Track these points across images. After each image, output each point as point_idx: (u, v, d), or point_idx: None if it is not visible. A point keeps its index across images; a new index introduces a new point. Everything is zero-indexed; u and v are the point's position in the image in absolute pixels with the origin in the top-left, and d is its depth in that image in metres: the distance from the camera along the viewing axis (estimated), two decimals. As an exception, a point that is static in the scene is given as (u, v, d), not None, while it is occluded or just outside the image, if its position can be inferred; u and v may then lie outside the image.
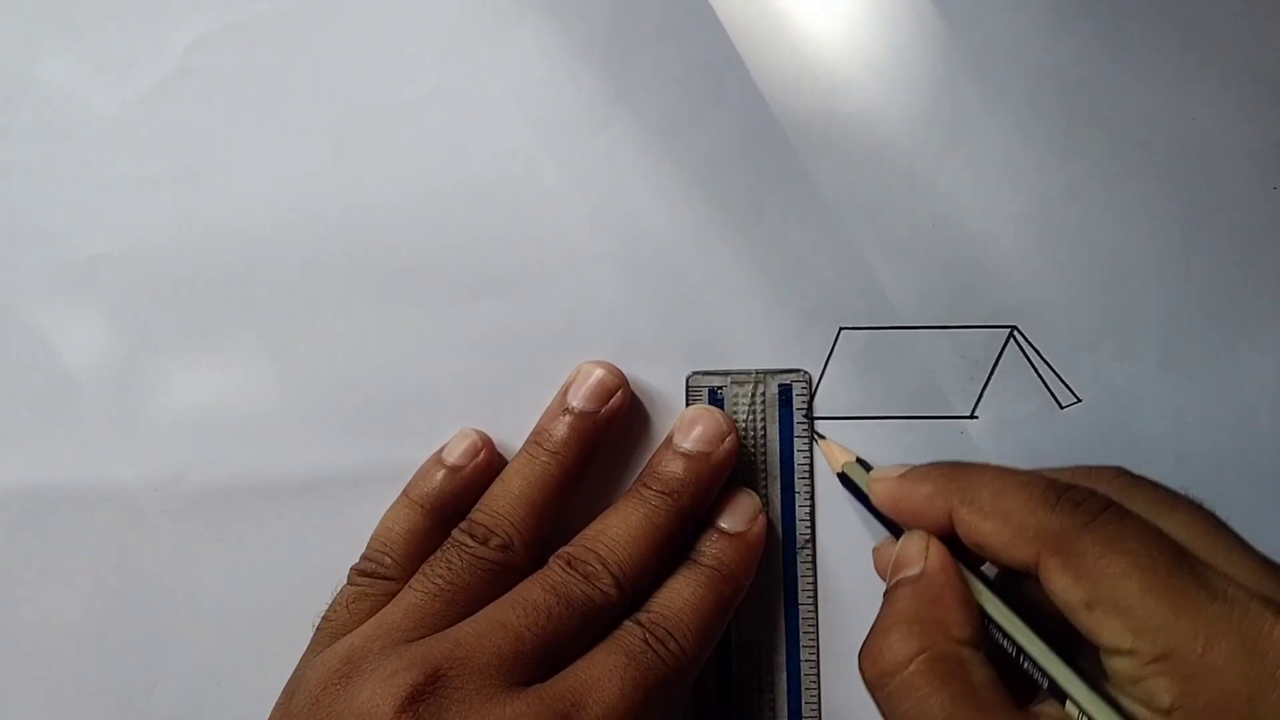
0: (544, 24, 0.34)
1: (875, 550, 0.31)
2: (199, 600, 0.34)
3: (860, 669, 0.27)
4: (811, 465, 0.33)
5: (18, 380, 0.35)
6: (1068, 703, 0.24)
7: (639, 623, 0.29)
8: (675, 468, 0.31)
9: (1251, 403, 0.33)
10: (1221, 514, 0.32)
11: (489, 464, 0.33)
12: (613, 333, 0.34)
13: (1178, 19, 0.33)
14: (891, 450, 0.33)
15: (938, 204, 0.33)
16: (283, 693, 0.30)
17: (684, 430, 0.32)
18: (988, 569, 0.28)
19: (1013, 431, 0.33)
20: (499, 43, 0.34)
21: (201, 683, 0.34)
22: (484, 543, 0.30)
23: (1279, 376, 0.33)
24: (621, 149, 0.34)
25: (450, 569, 0.30)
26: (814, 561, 0.33)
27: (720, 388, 0.34)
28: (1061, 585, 0.24)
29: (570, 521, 0.32)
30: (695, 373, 0.34)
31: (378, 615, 0.30)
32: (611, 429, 0.33)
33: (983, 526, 0.26)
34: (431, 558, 0.31)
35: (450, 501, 0.32)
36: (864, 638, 0.27)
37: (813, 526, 0.33)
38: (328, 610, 0.31)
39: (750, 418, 0.34)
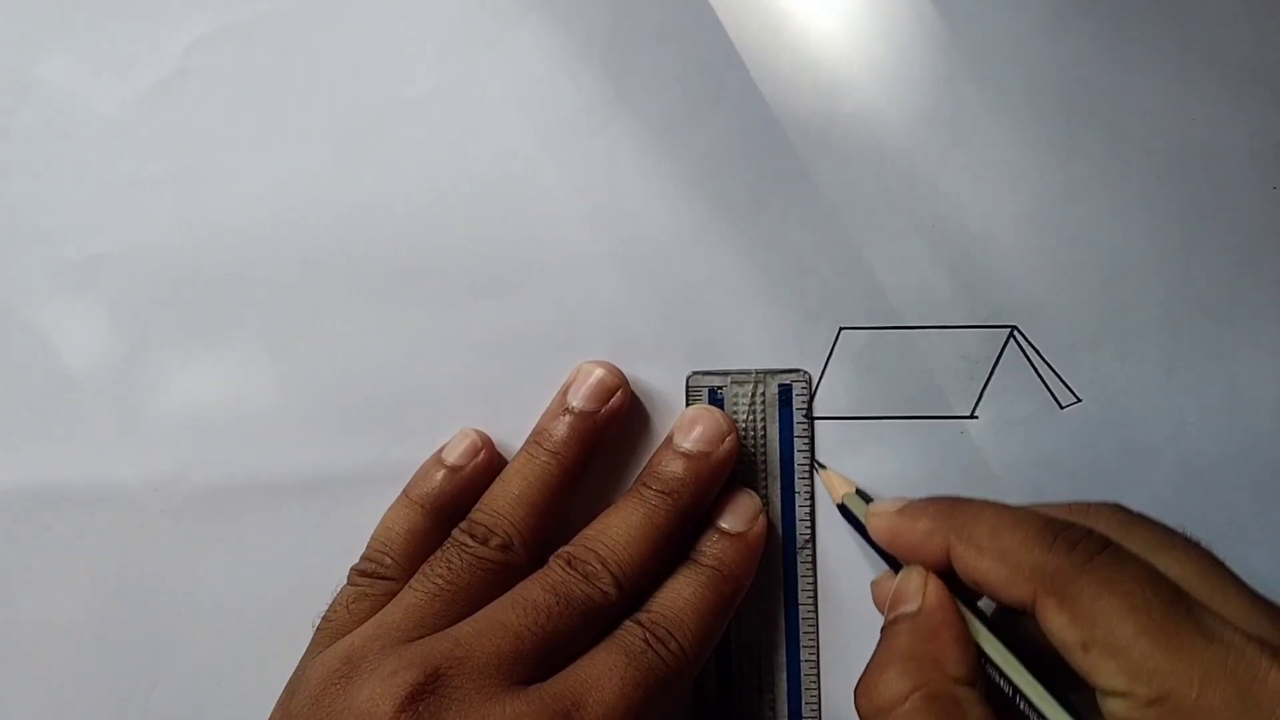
0: (544, 24, 0.34)
1: (874, 584, 0.31)
2: (199, 600, 0.34)
3: (856, 705, 0.27)
4: (811, 465, 0.33)
5: (18, 380, 0.35)
6: None
7: (639, 622, 0.29)
8: (675, 467, 0.31)
9: (1251, 403, 0.33)
10: (1222, 515, 0.32)
11: (489, 464, 0.33)
12: (613, 333, 0.34)
13: (1178, 19, 0.33)
14: (891, 450, 0.33)
15: (938, 204, 0.33)
16: (283, 693, 0.30)
17: (684, 430, 0.32)
18: (985, 604, 0.28)
19: (1013, 431, 0.33)
20: (499, 43, 0.34)
21: (201, 683, 0.34)
22: (484, 542, 0.30)
23: (1279, 376, 0.33)
24: (621, 149, 0.34)
25: (450, 569, 0.30)
26: (814, 561, 0.33)
27: (720, 388, 0.34)
28: (1058, 625, 0.24)
29: (570, 521, 0.32)
30: (695, 373, 0.34)
31: (378, 615, 0.30)
32: (611, 429, 0.33)
33: (980, 564, 0.26)
34: (431, 558, 0.31)
35: (450, 501, 0.32)
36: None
37: (813, 526, 0.33)
38: (328, 610, 0.31)
39: (750, 418, 0.34)
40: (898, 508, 0.29)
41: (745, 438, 0.33)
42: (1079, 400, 0.33)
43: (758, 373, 0.34)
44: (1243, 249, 0.33)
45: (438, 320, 0.34)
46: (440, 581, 0.30)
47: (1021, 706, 0.26)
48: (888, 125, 0.34)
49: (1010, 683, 0.26)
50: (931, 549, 0.27)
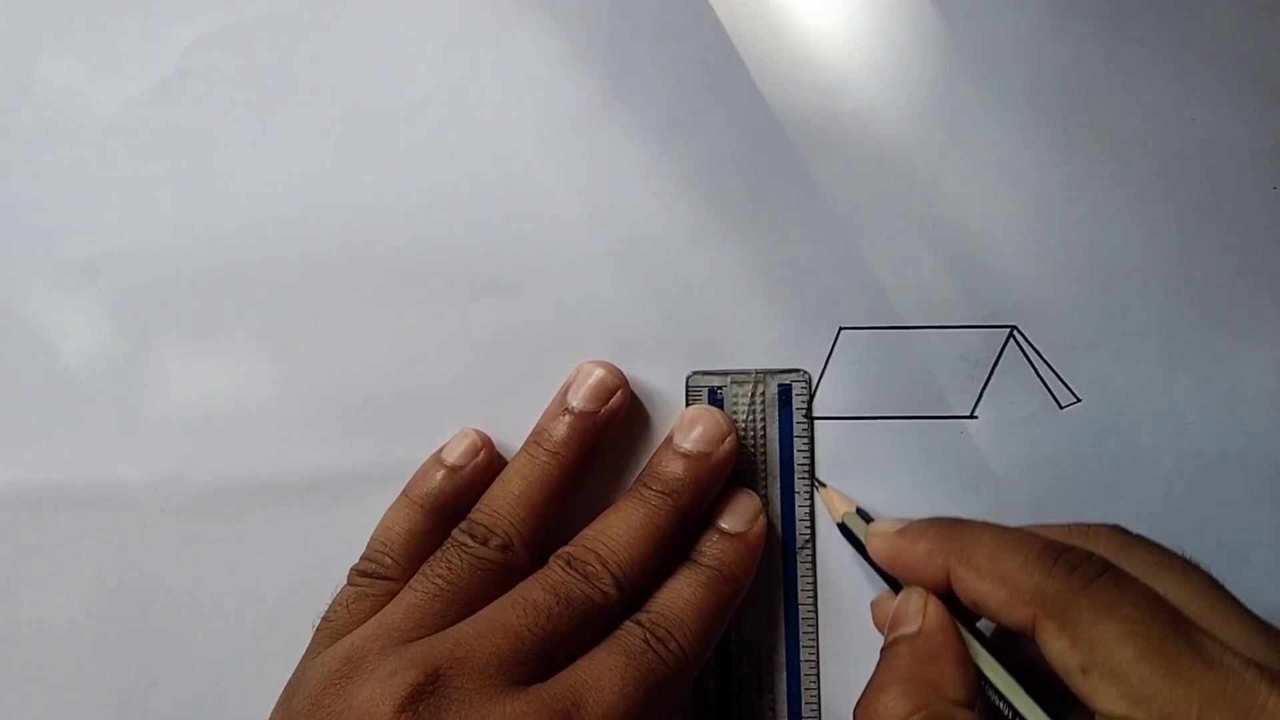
0: (544, 24, 0.34)
1: (874, 604, 0.31)
2: (199, 600, 0.34)
3: None
4: (811, 465, 0.33)
5: (18, 380, 0.35)
6: None
7: (639, 623, 0.29)
8: (675, 468, 0.31)
9: (1251, 403, 0.33)
10: (1222, 515, 0.32)
11: (489, 464, 0.33)
12: (613, 333, 0.34)
13: (1178, 19, 0.33)
14: (891, 450, 0.33)
15: (938, 204, 0.33)
16: (283, 693, 0.30)
17: (684, 430, 0.32)
18: (985, 625, 0.28)
19: (1013, 431, 0.33)
20: (499, 43, 0.34)
21: (201, 683, 0.34)
22: (484, 543, 0.30)
23: (1279, 377, 0.33)
24: (621, 149, 0.34)
25: (450, 569, 0.30)
26: (814, 561, 0.33)
27: (720, 388, 0.34)
28: (1058, 649, 0.24)
29: (570, 521, 0.32)
30: (695, 373, 0.34)
31: (378, 615, 0.30)
32: (611, 429, 0.33)
33: (979, 587, 0.26)
34: (431, 558, 0.31)
35: (450, 501, 0.32)
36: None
37: (813, 526, 0.33)
38: (328, 611, 0.31)
39: (750, 418, 0.34)
40: (897, 528, 0.29)
41: (745, 438, 0.33)
42: (1079, 400, 0.33)
43: (758, 373, 0.34)
44: (1243, 249, 0.33)
45: (438, 320, 0.34)
46: (440, 582, 0.30)
47: None
48: (888, 125, 0.34)
49: (1009, 706, 0.26)
50: (931, 570, 0.28)
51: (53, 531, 0.34)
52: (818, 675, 0.33)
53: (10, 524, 0.34)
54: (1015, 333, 0.33)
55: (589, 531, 0.31)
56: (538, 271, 0.34)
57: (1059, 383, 0.33)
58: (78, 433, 0.34)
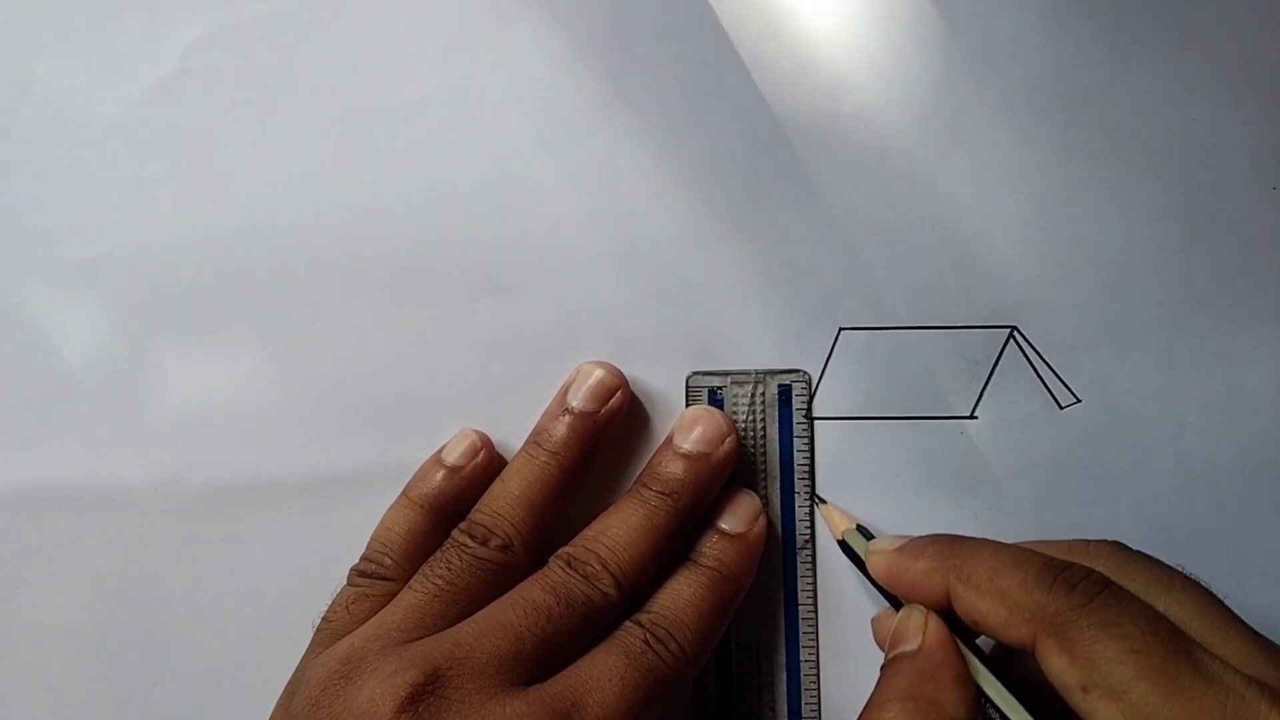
0: (544, 24, 0.34)
1: (874, 621, 0.31)
2: (199, 600, 0.34)
3: None
4: (811, 465, 0.33)
5: (18, 380, 0.35)
6: None
7: (639, 623, 0.29)
8: (675, 468, 0.31)
9: (1251, 403, 0.33)
10: (1222, 515, 0.32)
11: (489, 464, 0.33)
12: (613, 333, 0.34)
13: (1178, 19, 0.33)
14: (891, 450, 0.33)
15: (938, 204, 0.33)
16: (283, 693, 0.30)
17: (684, 430, 0.32)
18: (984, 641, 0.28)
19: (1013, 431, 0.33)
20: (499, 43, 0.34)
21: (201, 683, 0.34)
22: (484, 543, 0.30)
23: (1279, 376, 0.33)
24: (621, 149, 0.34)
25: (450, 569, 0.30)
26: (814, 561, 0.33)
27: (720, 388, 0.34)
28: (1058, 667, 0.24)
29: (570, 521, 0.32)
30: (695, 373, 0.34)
31: (378, 616, 0.30)
32: (611, 429, 0.33)
33: (979, 605, 0.26)
34: (431, 558, 0.31)
35: (450, 502, 0.32)
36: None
37: (812, 526, 0.33)
38: (328, 611, 0.31)
39: (750, 418, 0.34)
40: (897, 545, 0.29)
41: (745, 438, 0.33)
42: (1079, 400, 0.33)
43: (758, 373, 0.34)
44: (1243, 249, 0.33)
45: (438, 320, 0.34)
46: (440, 582, 0.30)
47: None
48: (888, 125, 0.34)
49: None
50: (931, 588, 0.28)
51: (53, 531, 0.34)
52: (818, 675, 0.33)
53: (10, 524, 0.34)
54: (1015, 333, 0.33)
55: (589, 532, 0.31)
56: (538, 271, 0.34)
57: (1059, 383, 0.33)
58: (78, 433, 0.34)
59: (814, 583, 0.33)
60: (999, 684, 0.27)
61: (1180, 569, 0.27)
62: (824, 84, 0.34)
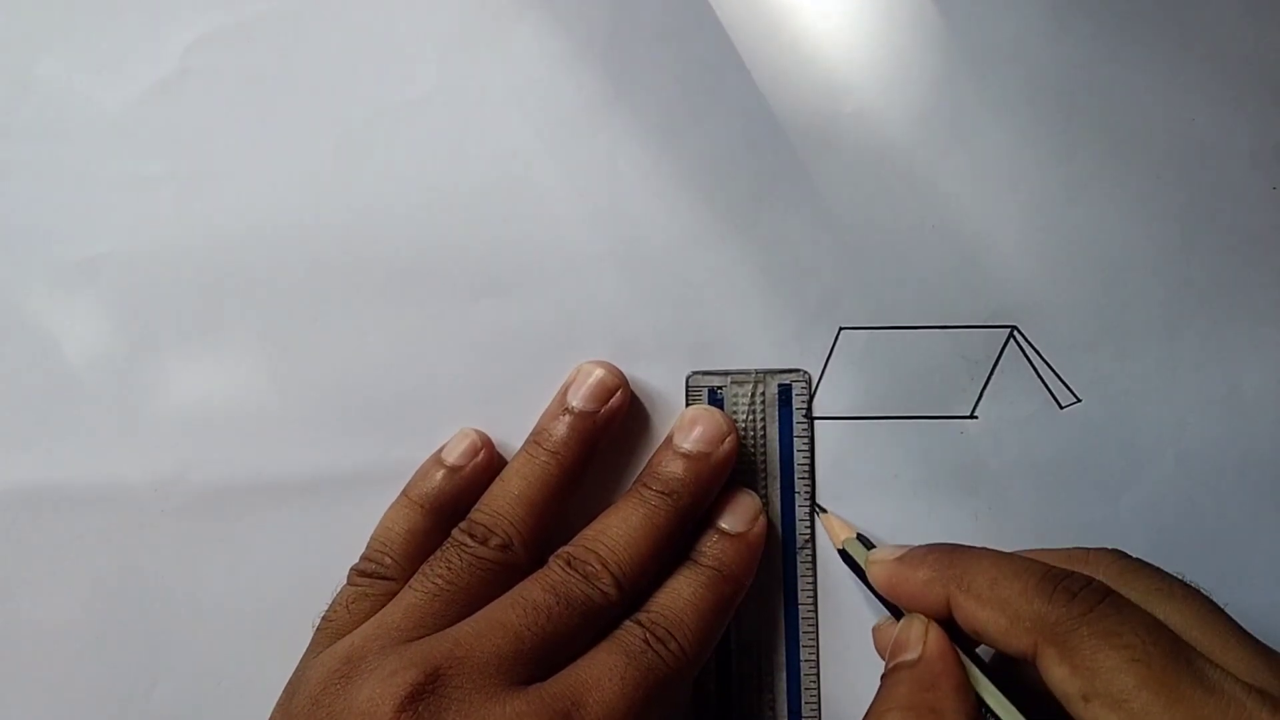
0: (544, 24, 0.34)
1: (875, 630, 0.31)
2: (199, 600, 0.34)
3: None
4: (811, 465, 0.33)
5: (18, 380, 0.35)
6: None
7: (639, 622, 0.29)
8: (675, 468, 0.31)
9: (1251, 403, 0.33)
10: (1222, 515, 0.32)
11: (488, 464, 0.33)
12: (613, 333, 0.34)
13: (1178, 19, 0.33)
14: (891, 450, 0.33)
15: (938, 204, 0.33)
16: (283, 693, 0.30)
17: (684, 430, 0.32)
18: (985, 650, 0.28)
19: (1013, 431, 0.33)
20: (499, 43, 0.34)
21: (201, 683, 0.34)
22: (484, 542, 0.30)
23: (1279, 376, 0.33)
24: (621, 149, 0.34)
25: (450, 569, 0.30)
26: (814, 561, 0.33)
27: (720, 388, 0.34)
28: (1059, 676, 0.24)
29: (570, 521, 0.32)
30: (695, 373, 0.34)
31: (378, 615, 0.30)
32: (611, 429, 0.33)
33: (980, 615, 0.26)
34: (431, 558, 0.31)
35: (450, 501, 0.32)
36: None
37: (813, 526, 0.33)
38: (328, 610, 0.31)
39: (750, 418, 0.34)
40: (897, 555, 0.29)
41: (745, 438, 0.33)
42: (1079, 400, 0.33)
43: (758, 373, 0.34)
44: (1243, 249, 0.33)
45: (438, 320, 0.34)
46: (440, 581, 0.30)
47: None
48: (888, 125, 0.34)
49: None
50: (931, 598, 0.28)
51: (53, 531, 0.34)
52: (818, 675, 0.33)
53: (10, 524, 0.34)
54: (1015, 333, 0.33)
55: (589, 531, 0.31)
56: (538, 271, 0.34)
57: (1059, 383, 0.33)
58: (78, 433, 0.34)
59: (814, 583, 0.33)
60: (999, 693, 0.27)
61: (1180, 577, 0.27)
62: (824, 84, 0.34)
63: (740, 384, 0.34)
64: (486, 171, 0.34)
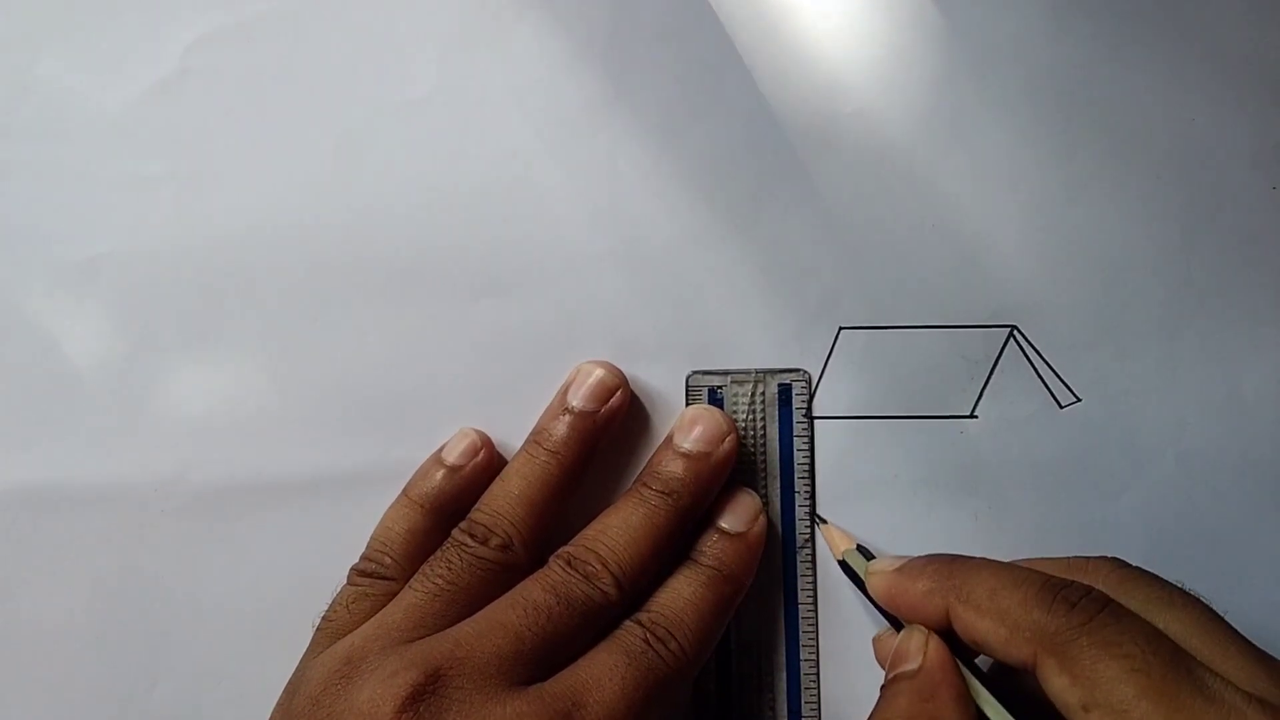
0: (544, 24, 0.34)
1: (875, 641, 0.31)
2: (199, 600, 0.34)
3: None
4: (811, 465, 0.33)
5: (18, 380, 0.35)
6: None
7: (639, 622, 0.29)
8: (675, 468, 0.31)
9: (1251, 403, 0.33)
10: (1222, 515, 0.32)
11: (488, 464, 0.33)
12: (613, 333, 0.34)
13: (1178, 19, 0.33)
14: (891, 450, 0.33)
15: (938, 204, 0.33)
16: (283, 693, 0.30)
17: (684, 430, 0.32)
18: (984, 660, 0.28)
19: (1013, 431, 0.33)
20: (499, 43, 0.34)
21: (201, 683, 0.34)
22: (484, 542, 0.30)
23: (1279, 376, 0.33)
24: (621, 149, 0.34)
25: (450, 569, 0.30)
26: (814, 561, 0.33)
27: (720, 387, 0.34)
28: (1059, 686, 0.24)
29: (570, 521, 0.32)
30: (695, 372, 0.34)
31: (378, 615, 0.30)
32: (611, 429, 0.33)
33: (979, 625, 0.26)
34: (431, 558, 0.31)
35: (450, 501, 0.32)
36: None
37: (813, 527, 0.33)
38: (328, 610, 0.31)
39: (750, 417, 0.34)
40: (896, 566, 0.29)
41: (745, 438, 0.33)
42: (1079, 400, 0.33)
43: (758, 372, 0.34)
44: (1243, 249, 0.33)
45: (438, 320, 0.34)
46: (440, 581, 0.30)
47: None
48: (888, 125, 0.34)
49: None
50: (931, 609, 0.28)
51: (53, 531, 0.34)
52: (818, 675, 0.33)
53: (10, 524, 0.34)
54: (1015, 333, 0.33)
55: (589, 531, 0.31)
56: (538, 271, 0.34)
57: (1059, 383, 0.33)
58: (78, 433, 0.34)
59: (814, 583, 0.33)
60: (998, 704, 0.27)
61: (1180, 585, 0.27)
62: (824, 84, 0.34)
63: (740, 384, 0.34)
64: (486, 171, 0.34)
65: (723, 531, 0.32)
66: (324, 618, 0.31)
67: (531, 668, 0.28)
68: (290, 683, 0.30)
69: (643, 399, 0.34)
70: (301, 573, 0.33)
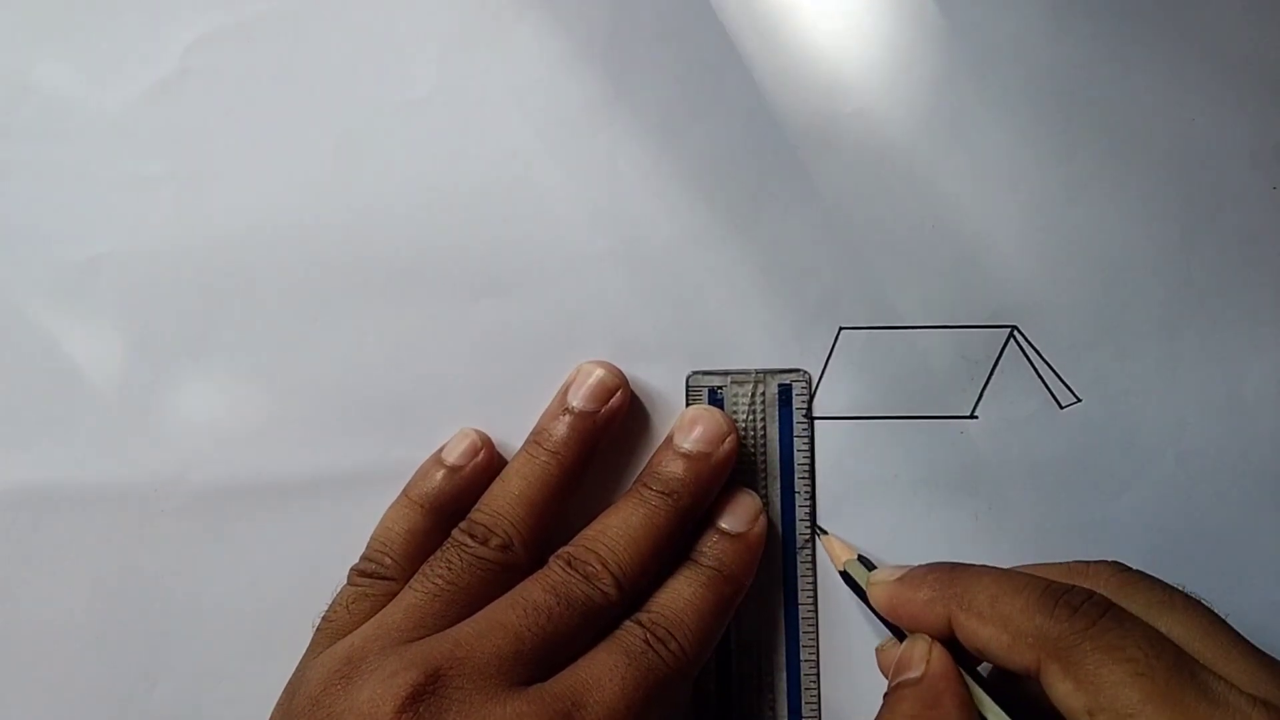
0: (544, 24, 0.34)
1: (878, 650, 0.31)
2: (199, 600, 0.34)
3: None
4: (811, 465, 0.33)
5: (18, 380, 0.35)
6: None
7: (639, 623, 0.29)
8: (675, 468, 0.31)
9: (1251, 403, 0.33)
10: (1222, 515, 0.32)
11: (489, 464, 0.33)
12: (613, 333, 0.34)
13: (1178, 19, 0.33)
14: (891, 450, 0.33)
15: (938, 204, 0.33)
16: (283, 693, 0.30)
17: (684, 430, 0.32)
18: (985, 667, 0.28)
19: (1013, 431, 0.33)
20: (499, 43, 0.34)
21: (201, 683, 0.34)
22: (484, 542, 0.30)
23: (1279, 376, 0.33)
24: (621, 149, 0.34)
25: (450, 569, 0.30)
26: (814, 561, 0.33)
27: (720, 388, 0.34)
28: (1063, 692, 0.24)
29: (570, 521, 0.32)
30: (695, 373, 0.34)
31: (378, 615, 0.30)
32: (611, 429, 0.33)
33: (982, 632, 0.26)
34: (431, 558, 0.31)
35: (450, 501, 0.32)
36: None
37: (813, 527, 0.33)
38: (328, 611, 0.31)
39: (750, 418, 0.34)
40: (898, 576, 0.29)
41: (745, 438, 0.33)
42: (1079, 400, 0.33)
43: (758, 373, 0.34)
44: (1243, 249, 0.33)
45: (438, 320, 0.34)
46: (440, 581, 0.30)
47: None
48: (888, 125, 0.34)
49: None
50: (933, 618, 0.28)
51: (53, 531, 0.34)
52: (818, 675, 0.33)
53: (10, 524, 0.34)
54: (1015, 333, 0.33)
55: (589, 531, 0.31)
56: (538, 271, 0.34)
57: (1059, 383, 0.33)
58: (78, 433, 0.34)
59: (814, 583, 0.33)
60: (1002, 711, 0.27)
61: (1181, 588, 0.27)
62: (824, 84, 0.34)
63: (740, 384, 0.34)
64: (486, 171, 0.34)
65: (723, 532, 0.32)
66: (324, 618, 0.31)
67: (531, 668, 0.28)
68: (290, 683, 0.30)
69: (643, 399, 0.34)
70: (301, 573, 0.33)
